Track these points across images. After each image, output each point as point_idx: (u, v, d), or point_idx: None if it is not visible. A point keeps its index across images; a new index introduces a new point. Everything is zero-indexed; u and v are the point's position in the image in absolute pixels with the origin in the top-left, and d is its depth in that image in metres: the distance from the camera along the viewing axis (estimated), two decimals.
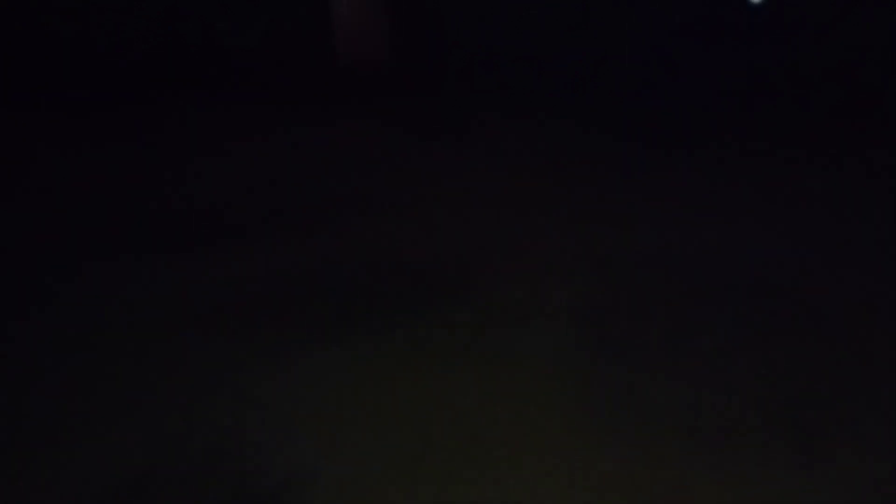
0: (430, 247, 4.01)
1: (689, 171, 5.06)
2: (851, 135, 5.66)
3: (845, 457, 2.46)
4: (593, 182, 4.88)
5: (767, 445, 2.52)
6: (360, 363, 3.01)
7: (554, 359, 3.02)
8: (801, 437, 2.56)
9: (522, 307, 3.40)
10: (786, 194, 4.66)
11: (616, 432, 2.59)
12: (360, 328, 3.26)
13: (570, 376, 2.90)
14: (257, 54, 7.47)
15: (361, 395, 2.81)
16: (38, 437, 2.61)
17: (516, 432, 2.59)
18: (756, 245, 4.01)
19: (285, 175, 5.04)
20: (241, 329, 3.27)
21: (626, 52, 7.59)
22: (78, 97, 6.61)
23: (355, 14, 7.11)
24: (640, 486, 2.34)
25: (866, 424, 2.62)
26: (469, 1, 7.96)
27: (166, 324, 3.32)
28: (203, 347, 3.13)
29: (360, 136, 5.78)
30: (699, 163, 5.19)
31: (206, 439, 2.58)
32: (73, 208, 4.56)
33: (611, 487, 2.34)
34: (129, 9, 7.47)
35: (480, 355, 3.05)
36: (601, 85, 6.88)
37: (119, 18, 7.47)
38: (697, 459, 2.46)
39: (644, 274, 3.72)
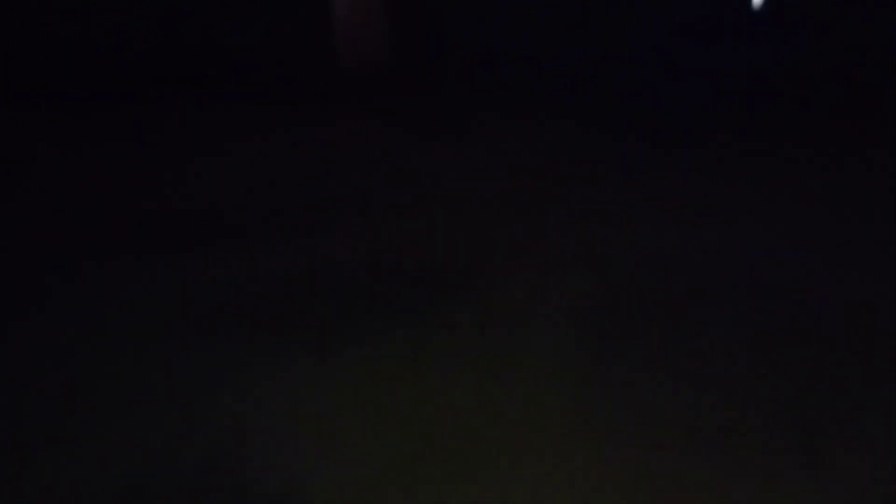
0: (430, 247, 4.01)
1: (689, 171, 5.06)
2: (851, 135, 5.66)
3: (847, 458, 2.46)
4: (593, 182, 4.88)
5: (768, 446, 2.52)
6: (360, 364, 3.01)
7: (554, 360, 3.02)
8: (802, 437, 2.56)
9: (523, 308, 3.41)
10: (786, 194, 4.66)
11: (616, 433, 2.59)
12: (361, 329, 3.26)
13: (571, 377, 2.91)
14: (257, 54, 7.47)
15: (362, 395, 2.81)
16: (38, 437, 2.61)
17: (516, 433, 2.59)
18: (756, 245, 4.01)
19: (285, 175, 5.04)
20: (240, 329, 3.27)
21: (626, 52, 7.59)
22: (78, 97, 6.61)
23: (355, 14, 7.11)
24: (640, 487, 2.34)
25: (868, 425, 2.62)
26: (469, 1, 7.96)
27: (166, 324, 3.32)
28: (203, 348, 3.14)
29: (360, 136, 5.78)
30: (699, 163, 5.19)
31: (206, 440, 2.58)
32: (73, 208, 4.56)
33: (611, 488, 2.34)
34: (129, 9, 7.47)
35: (481, 356, 3.05)
36: (601, 85, 6.88)
37: (119, 18, 7.47)
38: (698, 460, 2.46)
39: (644, 274, 3.72)
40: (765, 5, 7.63)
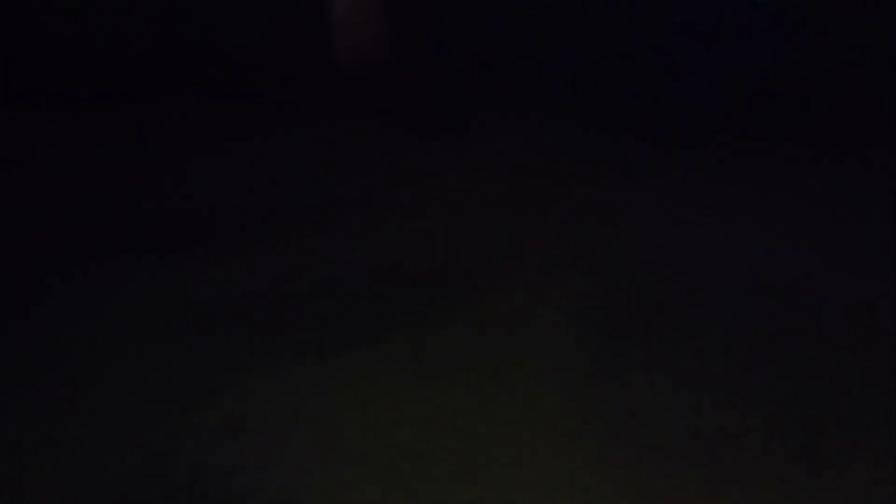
0: (430, 248, 4.01)
1: (689, 170, 5.06)
2: (851, 135, 5.66)
3: (847, 459, 2.46)
4: (593, 182, 4.88)
5: (768, 447, 2.52)
6: (360, 365, 3.01)
7: (554, 361, 3.02)
8: (802, 438, 2.56)
9: (522, 308, 3.40)
10: (786, 194, 4.66)
11: (616, 435, 2.59)
12: (361, 330, 3.26)
13: (571, 378, 2.90)
14: (257, 54, 7.47)
15: (362, 397, 2.81)
16: (37, 437, 2.61)
17: (516, 435, 2.59)
18: (756, 245, 4.01)
19: (285, 175, 5.04)
20: (240, 330, 3.27)
21: (626, 52, 7.58)
22: (78, 97, 6.61)
23: (355, 14, 7.11)
24: (641, 489, 2.34)
25: (868, 426, 2.61)
26: (469, 1, 7.96)
27: (166, 324, 3.32)
28: (202, 348, 3.13)
29: (360, 136, 5.77)
30: (699, 162, 5.19)
31: (206, 441, 2.58)
32: (73, 208, 4.56)
33: (611, 489, 2.34)
34: (129, 9, 7.46)
35: (481, 357, 3.05)
36: (601, 85, 6.88)
37: (119, 18, 7.46)
38: (698, 462, 2.46)
39: (644, 274, 3.72)
40: (766, 4, 7.62)
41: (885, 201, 4.53)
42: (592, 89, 6.79)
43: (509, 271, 3.75)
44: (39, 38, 7.38)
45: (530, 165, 5.19)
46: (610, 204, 4.56)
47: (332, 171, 5.12)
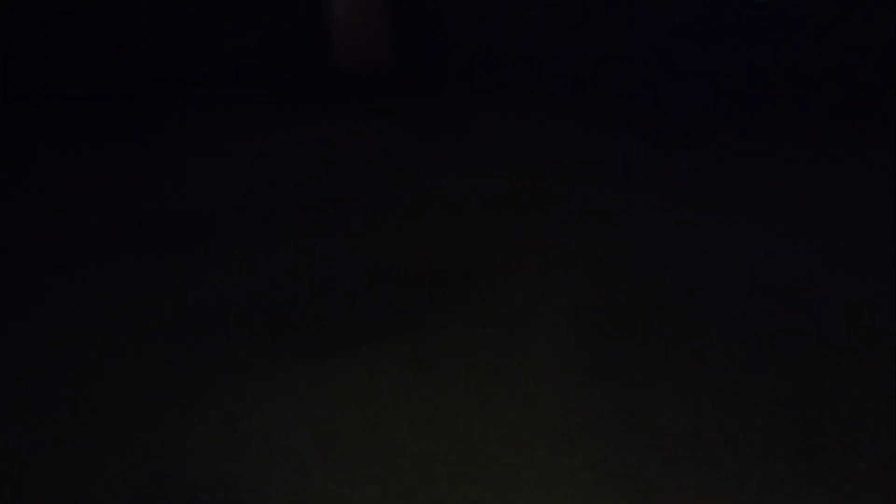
0: (430, 248, 4.01)
1: (689, 170, 5.06)
2: (851, 135, 5.66)
3: (848, 460, 2.45)
4: (593, 182, 4.88)
5: (769, 448, 2.52)
6: (360, 366, 3.01)
7: (554, 361, 3.02)
8: (803, 439, 2.56)
9: (523, 309, 3.40)
10: (786, 194, 4.66)
11: (617, 436, 2.59)
12: (361, 330, 3.26)
13: (571, 379, 2.90)
14: (257, 54, 7.47)
15: (362, 397, 2.81)
16: (36, 437, 2.61)
17: (516, 435, 2.59)
18: (756, 245, 4.01)
19: (285, 175, 5.04)
20: (240, 330, 3.27)
21: (626, 52, 7.58)
22: (78, 97, 6.61)
23: (355, 14, 7.10)
24: (641, 491, 2.34)
25: (869, 426, 2.61)
26: (469, 1, 7.96)
27: (166, 325, 3.32)
28: (202, 348, 3.13)
29: (360, 136, 5.77)
30: (699, 163, 5.19)
31: (205, 442, 2.58)
32: (73, 208, 4.56)
33: (611, 490, 2.34)
34: (129, 9, 7.46)
35: (481, 357, 3.05)
36: (601, 85, 6.88)
37: (119, 18, 7.46)
38: (699, 464, 2.46)
39: (644, 275, 3.72)
40: (766, 3, 7.62)
41: (885, 201, 4.53)
42: (592, 89, 6.79)
43: (509, 271, 3.74)
44: (39, 38, 7.38)
45: (530, 165, 5.19)
46: (610, 204, 4.56)
47: (332, 171, 5.12)
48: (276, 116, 6.21)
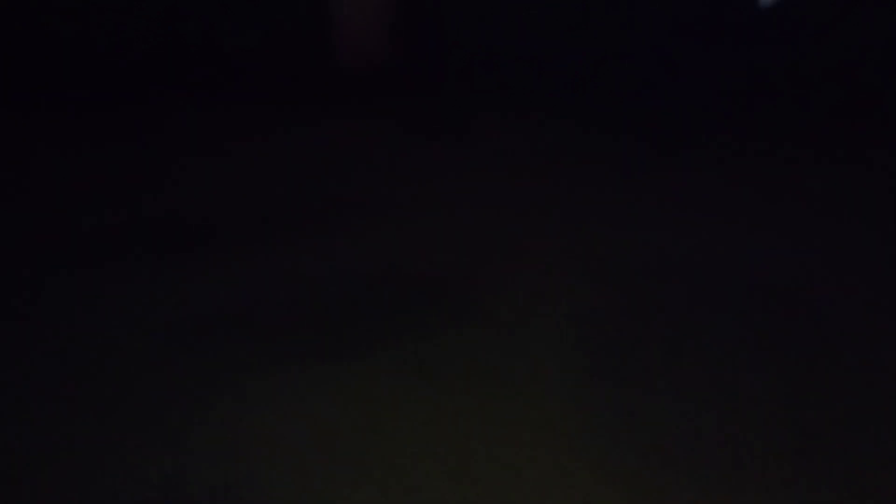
0: (430, 248, 4.01)
1: (689, 170, 5.06)
2: (851, 135, 5.66)
3: (848, 460, 2.45)
4: (593, 182, 4.89)
5: (770, 450, 2.52)
6: (360, 368, 3.01)
7: (554, 362, 3.02)
8: (803, 439, 2.56)
9: (523, 310, 3.41)
10: (786, 194, 4.67)
11: (616, 438, 2.59)
12: (360, 332, 3.26)
13: (571, 382, 2.90)
14: (257, 54, 7.47)
15: (362, 398, 2.81)
16: (36, 438, 2.61)
17: (516, 437, 2.59)
18: (756, 245, 4.01)
19: (285, 175, 5.04)
20: (240, 331, 3.27)
21: (626, 52, 7.58)
22: (78, 97, 6.61)
23: (355, 14, 7.10)
24: (641, 493, 2.34)
25: (872, 430, 2.61)
26: (469, 1, 7.96)
27: (166, 325, 3.32)
28: (202, 349, 3.13)
29: (360, 136, 5.78)
30: (699, 163, 5.19)
31: (206, 443, 2.58)
32: (73, 208, 4.56)
33: (611, 494, 2.34)
34: (129, 9, 7.46)
35: (481, 359, 3.05)
36: (601, 85, 6.88)
37: (119, 18, 7.46)
38: (700, 465, 2.46)
39: (644, 275, 3.72)
40: (774, 4, 7.61)
41: (886, 201, 4.53)
42: (592, 89, 6.79)
43: (509, 272, 3.75)
44: (39, 38, 7.38)
45: (530, 165, 5.19)
46: (609, 204, 4.56)
47: (332, 171, 5.12)
48: (276, 116, 6.21)
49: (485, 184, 4.87)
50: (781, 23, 7.73)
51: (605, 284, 3.62)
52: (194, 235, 4.21)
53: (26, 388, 2.88)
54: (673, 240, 4.09)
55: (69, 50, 7.34)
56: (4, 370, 3.00)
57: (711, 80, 6.87)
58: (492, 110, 6.30)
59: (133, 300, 3.53)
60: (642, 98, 6.52)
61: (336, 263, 3.86)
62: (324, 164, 5.22)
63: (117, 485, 2.37)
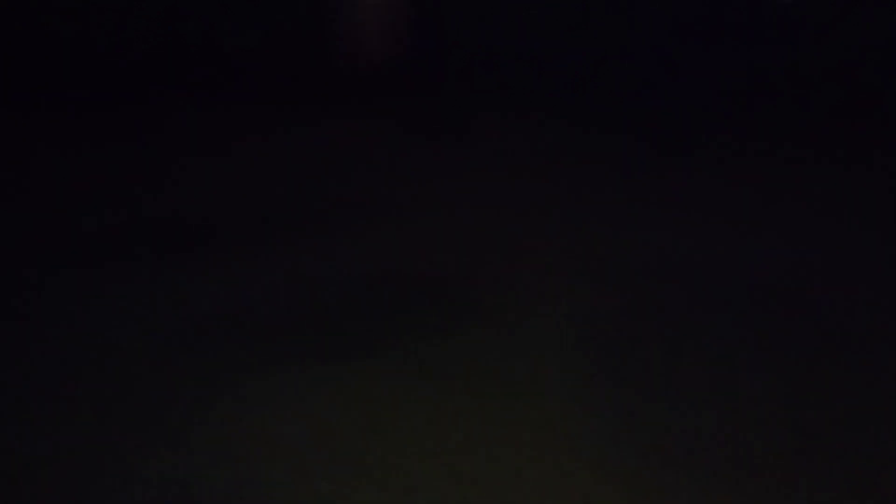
0: (430, 249, 4.01)
1: (689, 170, 5.06)
2: (851, 135, 5.66)
3: (850, 463, 2.45)
4: (593, 182, 4.89)
5: (770, 451, 2.52)
6: (360, 369, 3.01)
7: (554, 364, 3.02)
8: (803, 440, 2.56)
9: (524, 314, 3.40)
10: (786, 194, 4.67)
11: (616, 438, 2.59)
12: (360, 333, 3.26)
13: (571, 382, 2.90)
14: (257, 54, 7.47)
15: (362, 399, 2.81)
16: (35, 440, 2.61)
17: (516, 437, 2.59)
18: (756, 245, 4.01)
19: (285, 176, 5.05)
20: (240, 333, 3.27)
21: (626, 52, 7.59)
22: (78, 97, 6.61)
23: (356, 14, 7.10)
24: (641, 493, 2.34)
25: (872, 430, 2.61)
26: (469, 1, 7.96)
27: (165, 326, 3.32)
28: (203, 350, 3.13)
29: (360, 136, 5.78)
30: (699, 163, 5.19)
31: (207, 444, 2.58)
32: (73, 209, 4.56)
33: (612, 494, 2.34)
34: (129, 9, 7.47)
35: (481, 360, 3.05)
36: (601, 85, 6.88)
37: (119, 18, 7.46)
38: (700, 465, 2.46)
39: (644, 275, 3.72)
40: (793, 2, 7.60)
41: (886, 201, 4.53)
42: (592, 89, 6.79)
43: (509, 272, 3.75)
44: (39, 38, 7.38)
45: (530, 165, 5.19)
46: (610, 204, 4.56)
47: (332, 171, 5.13)
48: (276, 116, 6.21)
49: (485, 184, 4.87)
50: (781, 23, 7.73)
51: (605, 284, 3.62)
52: (194, 235, 4.21)
53: (26, 388, 2.88)
54: (673, 240, 4.09)
55: (69, 50, 7.34)
56: (4, 370, 3.00)
57: (711, 80, 6.87)
58: (492, 110, 6.30)
59: (133, 300, 3.53)
60: (642, 98, 6.52)
61: (336, 263, 3.86)
62: (324, 164, 5.22)
63: (117, 485, 2.37)
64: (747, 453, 2.47)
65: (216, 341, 3.18)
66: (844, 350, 3.07)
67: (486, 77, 7.13)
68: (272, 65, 7.38)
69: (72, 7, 7.41)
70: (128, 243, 4.11)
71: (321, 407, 2.74)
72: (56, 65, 7.21)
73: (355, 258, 3.91)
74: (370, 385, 2.86)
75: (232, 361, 3.03)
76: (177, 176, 5.04)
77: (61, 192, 4.79)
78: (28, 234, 4.22)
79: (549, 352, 3.07)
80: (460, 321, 3.30)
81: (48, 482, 2.39)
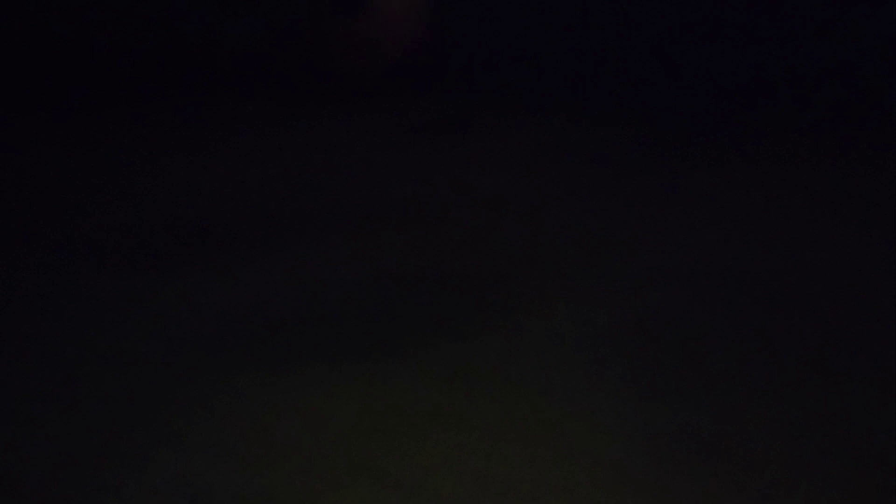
0: (430, 249, 4.01)
1: (689, 170, 5.06)
2: (851, 135, 5.66)
3: (850, 463, 2.45)
4: (594, 182, 4.89)
5: (770, 451, 2.52)
6: (361, 369, 3.00)
7: (554, 364, 3.02)
8: (803, 440, 2.56)
9: (524, 314, 3.40)
10: (786, 194, 4.66)
11: (616, 437, 2.59)
12: (360, 333, 3.26)
13: (571, 382, 2.90)
14: (257, 54, 7.47)
15: (378, 404, 2.81)
16: (35, 440, 2.61)
17: (515, 450, 2.59)
18: (756, 245, 4.01)
19: (286, 176, 5.05)
20: (240, 335, 3.27)
21: (626, 52, 7.59)
22: (78, 97, 6.61)
23: (357, 14, 7.10)
24: (642, 493, 2.34)
25: (872, 430, 2.61)
26: (469, 1, 7.96)
27: (166, 326, 3.32)
28: (207, 352, 3.13)
29: (360, 136, 5.78)
30: (699, 162, 5.19)
31: (209, 445, 2.58)
32: (73, 208, 4.56)
33: (612, 494, 2.34)
34: (128, 9, 7.46)
35: (481, 360, 3.05)
36: (601, 85, 6.88)
37: (119, 18, 7.46)
38: (700, 465, 2.46)
39: (646, 277, 3.72)
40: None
41: (886, 201, 4.53)
42: (593, 89, 6.79)
43: (509, 272, 3.75)
44: (39, 38, 7.38)
45: (531, 165, 5.19)
46: (610, 204, 4.56)
47: (332, 171, 5.12)
48: (277, 116, 6.21)
49: (485, 183, 4.87)
50: (781, 23, 7.73)
51: (605, 284, 3.62)
52: (194, 235, 4.21)
53: (26, 388, 2.88)
54: (673, 239, 4.09)
55: (69, 50, 7.34)
56: (4, 370, 2.99)
57: (711, 80, 6.88)
58: (492, 110, 6.30)
59: (133, 300, 3.52)
60: (643, 98, 6.52)
61: (336, 264, 3.86)
62: (324, 165, 5.22)
63: (117, 485, 2.37)
64: (747, 453, 2.47)
65: (216, 341, 3.17)
66: (844, 350, 3.07)
67: (487, 76, 7.13)
68: (272, 64, 7.38)
69: (72, 7, 7.42)
70: (128, 243, 4.11)
71: (321, 407, 2.74)
72: (56, 65, 7.21)
73: (355, 258, 3.91)
74: (370, 385, 2.86)
75: (232, 361, 3.03)
76: (176, 175, 5.04)
77: (61, 192, 4.79)
78: (28, 235, 4.22)
79: (549, 351, 3.07)
80: (460, 321, 3.30)
81: (48, 482, 2.39)
